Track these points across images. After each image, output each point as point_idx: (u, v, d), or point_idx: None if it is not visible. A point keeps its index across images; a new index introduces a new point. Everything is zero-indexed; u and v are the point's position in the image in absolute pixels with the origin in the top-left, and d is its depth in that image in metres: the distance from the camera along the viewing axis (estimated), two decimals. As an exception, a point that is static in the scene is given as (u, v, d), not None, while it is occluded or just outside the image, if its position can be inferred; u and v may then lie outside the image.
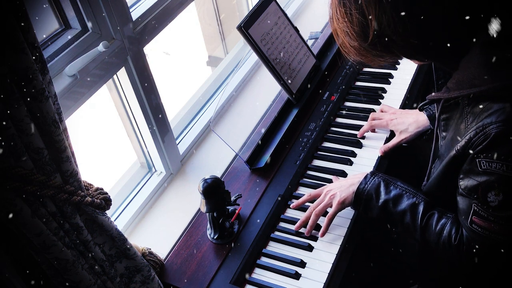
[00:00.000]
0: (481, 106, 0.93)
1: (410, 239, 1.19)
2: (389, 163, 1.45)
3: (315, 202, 1.29)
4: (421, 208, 1.14)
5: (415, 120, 1.42)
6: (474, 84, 0.92)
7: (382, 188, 1.20)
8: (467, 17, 0.88)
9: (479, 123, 0.92)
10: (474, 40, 0.91)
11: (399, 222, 1.17)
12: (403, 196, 1.17)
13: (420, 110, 1.40)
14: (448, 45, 0.93)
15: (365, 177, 1.24)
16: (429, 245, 1.13)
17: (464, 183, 1.00)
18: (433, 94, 1.06)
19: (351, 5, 0.93)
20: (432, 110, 1.42)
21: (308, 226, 1.27)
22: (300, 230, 1.29)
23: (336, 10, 0.97)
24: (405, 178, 1.23)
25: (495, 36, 0.88)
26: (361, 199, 1.22)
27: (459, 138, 0.98)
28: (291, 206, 1.35)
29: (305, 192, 1.39)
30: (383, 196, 1.19)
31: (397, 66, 1.76)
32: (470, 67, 0.93)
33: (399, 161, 1.50)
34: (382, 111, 1.53)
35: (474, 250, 1.03)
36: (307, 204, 1.33)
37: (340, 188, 1.26)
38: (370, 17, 0.90)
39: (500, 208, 0.95)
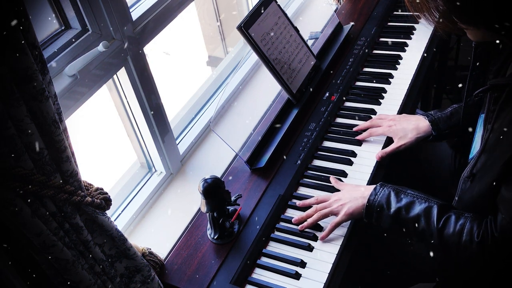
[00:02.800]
0: None
1: (427, 248, 1.15)
2: (389, 162, 1.45)
3: (322, 204, 1.28)
4: (435, 210, 1.12)
5: (415, 127, 1.40)
6: None
7: (392, 197, 1.18)
8: None
9: None
10: None
11: (413, 230, 1.14)
12: (414, 202, 1.16)
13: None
14: None
15: (375, 189, 1.22)
16: (449, 248, 1.10)
17: None
18: (496, 79, 1.02)
19: None
20: (434, 116, 1.40)
21: (306, 223, 1.27)
22: (299, 228, 1.28)
23: None
24: (405, 177, 1.23)
25: None
26: (372, 211, 1.20)
27: None
28: (297, 204, 1.33)
29: (306, 192, 1.39)
30: (394, 205, 1.17)
31: (397, 66, 1.76)
32: None
33: (399, 161, 1.50)
34: (380, 119, 1.50)
35: (503, 243, 1.00)
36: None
37: (350, 199, 1.24)
38: None
39: None
